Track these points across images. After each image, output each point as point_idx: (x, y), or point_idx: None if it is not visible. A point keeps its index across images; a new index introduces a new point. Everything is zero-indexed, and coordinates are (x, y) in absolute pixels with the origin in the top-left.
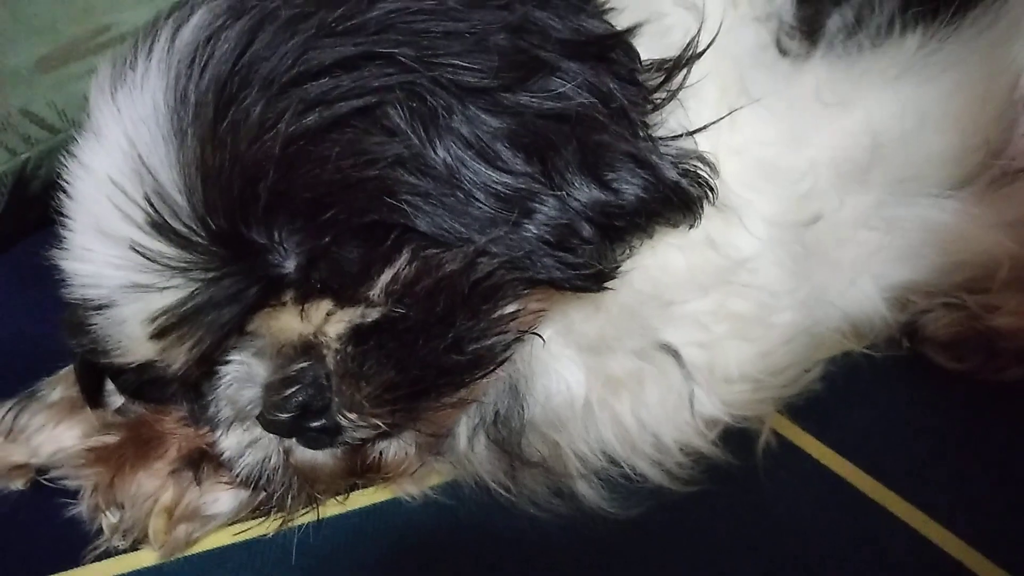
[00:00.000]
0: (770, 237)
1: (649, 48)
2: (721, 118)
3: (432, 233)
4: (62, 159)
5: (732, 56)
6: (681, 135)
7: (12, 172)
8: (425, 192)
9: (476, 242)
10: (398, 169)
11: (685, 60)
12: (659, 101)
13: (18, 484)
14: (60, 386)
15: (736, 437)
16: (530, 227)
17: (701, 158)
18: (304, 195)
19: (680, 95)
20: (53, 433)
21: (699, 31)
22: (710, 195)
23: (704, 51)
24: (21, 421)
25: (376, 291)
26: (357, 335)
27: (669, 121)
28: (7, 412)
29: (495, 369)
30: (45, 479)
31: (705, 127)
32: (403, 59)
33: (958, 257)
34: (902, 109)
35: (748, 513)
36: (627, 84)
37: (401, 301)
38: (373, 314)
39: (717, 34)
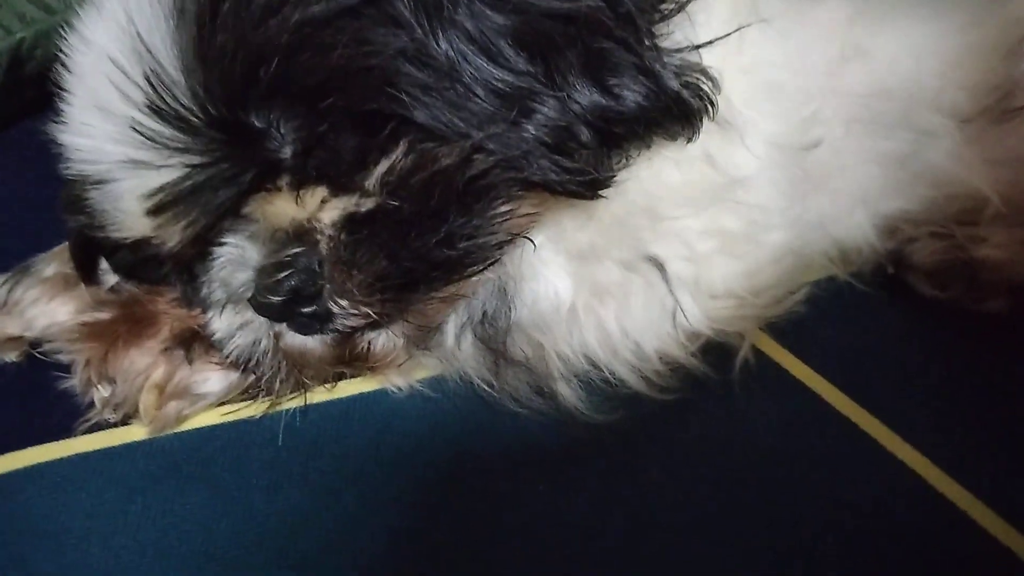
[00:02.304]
0: (769, 157)
1: None
2: (729, 34)
3: (430, 126)
4: (58, 40)
5: None
6: (687, 48)
7: (7, 51)
8: (425, 84)
9: (473, 138)
10: (400, 60)
11: None
12: (667, 11)
13: (12, 356)
14: (55, 262)
15: (716, 350)
16: (528, 127)
17: (704, 72)
18: (305, 82)
19: (689, 8)
20: (47, 307)
21: None
22: (710, 110)
23: None
24: (15, 294)
25: (371, 181)
26: (351, 223)
27: (675, 34)
28: (2, 286)
29: (485, 268)
30: (38, 352)
31: (712, 42)
32: None
33: (950, 191)
34: (912, 45)
35: (723, 424)
36: None
37: (396, 193)
38: (367, 204)
39: None
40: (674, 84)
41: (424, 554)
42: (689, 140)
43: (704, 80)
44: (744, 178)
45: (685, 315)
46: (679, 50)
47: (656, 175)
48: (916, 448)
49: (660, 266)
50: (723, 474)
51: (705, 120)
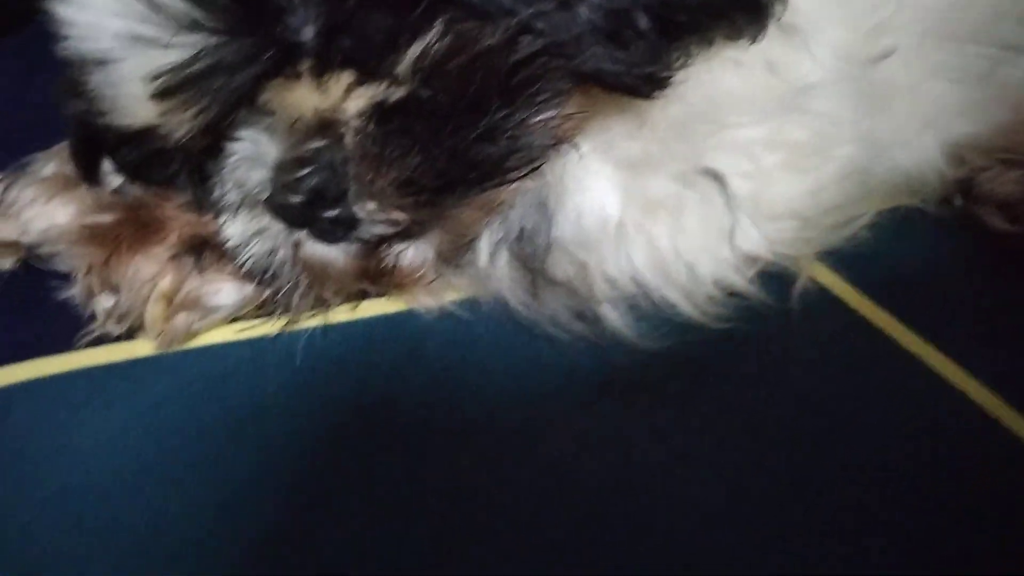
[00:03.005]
0: (836, 68)
1: None
2: None
3: (470, 2)
4: None
5: None
6: None
7: None
8: None
9: (519, 14)
10: None
11: None
12: None
13: (6, 263)
14: (54, 161)
15: (773, 279)
16: (582, 8)
17: None
18: None
19: None
20: (45, 208)
21: None
22: (778, 7)
23: None
24: (11, 195)
25: (403, 66)
26: (380, 114)
27: None
28: None
29: (528, 173)
30: (36, 259)
31: None
32: None
33: None
34: None
35: (778, 357)
36: None
37: (430, 80)
38: (398, 92)
39: None
40: None
41: (454, 485)
42: (754, 40)
43: None
44: (810, 87)
45: (743, 236)
46: None
47: (717, 79)
48: (984, 384)
49: (719, 180)
50: (778, 409)
51: (772, 17)
